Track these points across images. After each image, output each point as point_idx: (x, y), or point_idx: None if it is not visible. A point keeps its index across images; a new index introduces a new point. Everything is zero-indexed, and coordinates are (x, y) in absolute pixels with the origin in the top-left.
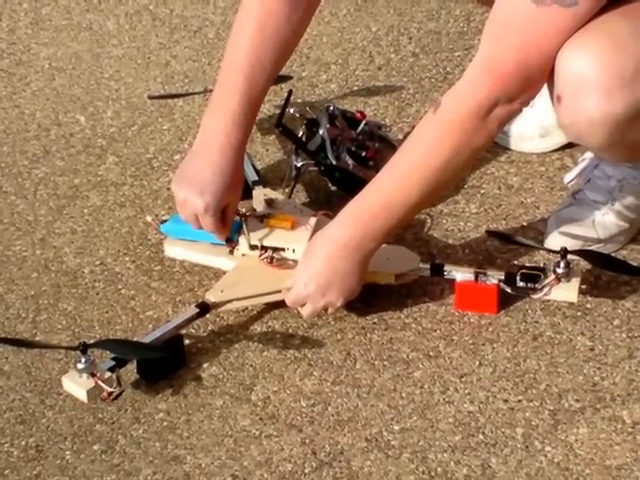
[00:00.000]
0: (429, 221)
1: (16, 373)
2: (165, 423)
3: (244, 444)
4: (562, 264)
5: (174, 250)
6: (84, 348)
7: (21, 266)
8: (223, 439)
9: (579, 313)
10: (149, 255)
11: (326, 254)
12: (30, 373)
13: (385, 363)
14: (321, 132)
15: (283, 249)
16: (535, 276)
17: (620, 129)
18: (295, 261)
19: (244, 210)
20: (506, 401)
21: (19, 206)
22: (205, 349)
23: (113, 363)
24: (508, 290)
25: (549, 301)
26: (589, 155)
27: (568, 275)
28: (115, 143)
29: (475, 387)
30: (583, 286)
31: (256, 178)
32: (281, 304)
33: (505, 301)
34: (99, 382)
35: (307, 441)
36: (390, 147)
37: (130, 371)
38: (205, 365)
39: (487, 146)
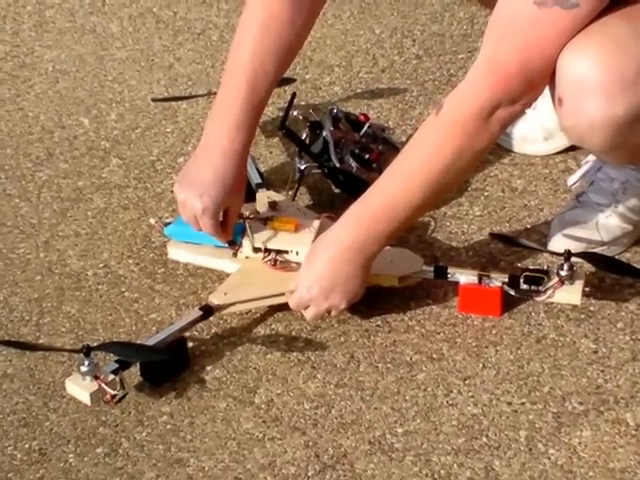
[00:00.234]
0: (433, 223)
1: (19, 376)
2: (168, 426)
3: (247, 447)
4: (566, 267)
5: (178, 253)
6: (87, 351)
7: (25, 269)
8: (226, 442)
9: (583, 316)
10: (153, 258)
11: (329, 257)
12: (33, 376)
13: (389, 366)
14: (324, 135)
15: (286, 251)
16: (539, 279)
17: (621, 132)
18: (298, 263)
19: (247, 213)
20: (509, 404)
21: (23, 209)
22: (209, 352)
23: (116, 366)
24: (512, 293)
25: (553, 304)
26: (592, 158)
27: (572, 278)
28: (119, 146)
29: (478, 390)
30: (587, 289)
31: (259, 181)
32: (285, 307)
33: (509, 304)
34: (102, 385)
35: (310, 444)
36: (393, 149)
37: (133, 374)
38: (209, 368)
39: (489, 148)
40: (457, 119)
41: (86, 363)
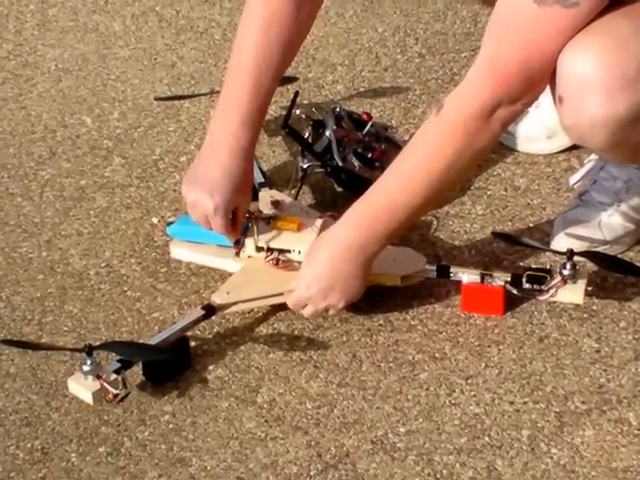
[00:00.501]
0: (435, 222)
1: (22, 375)
2: (171, 425)
3: (250, 446)
4: (568, 266)
5: (180, 252)
6: (90, 350)
7: (27, 268)
8: (229, 441)
9: (585, 315)
10: (155, 257)
11: (329, 256)
12: (36, 375)
13: (391, 365)
14: (327, 133)
15: (289, 251)
16: (541, 278)
17: (622, 130)
18: (301, 263)
19: (250, 212)
20: (512, 403)
21: (25, 208)
22: (211, 351)
23: (119, 365)
24: (514, 292)
25: (555, 303)
26: (595, 156)
27: (574, 277)
28: (121, 144)
29: (481, 389)
30: (589, 288)
31: (262, 180)
32: (287, 306)
33: (511, 303)
34: (105, 384)
35: (313, 443)
36: (396, 148)
37: (136, 373)
38: (211, 367)
39: (491, 147)
40: (458, 118)
41: (88, 362)
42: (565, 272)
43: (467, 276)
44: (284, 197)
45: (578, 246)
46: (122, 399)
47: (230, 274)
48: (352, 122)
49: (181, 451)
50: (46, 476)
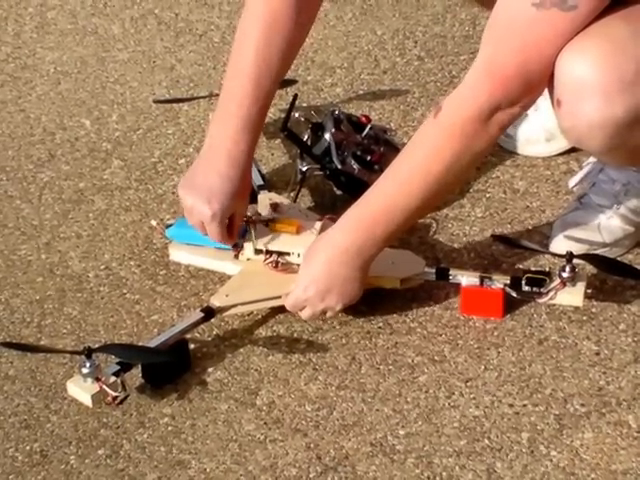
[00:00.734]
0: (434, 225)
1: (21, 377)
2: (170, 428)
3: (249, 449)
4: (568, 268)
5: (179, 254)
6: (89, 352)
7: (26, 270)
8: (228, 444)
9: (585, 317)
10: (154, 259)
11: (326, 258)
12: (35, 377)
13: (390, 367)
14: (326, 136)
15: (288, 253)
16: (540, 280)
17: (620, 133)
18: (300, 266)
19: (249, 214)
20: (511, 406)
21: (24, 210)
22: (210, 353)
23: (118, 367)
24: (513, 294)
25: (554, 305)
26: (594, 159)
27: (574, 279)
28: (120, 147)
29: (480, 392)
30: (589, 290)
31: (261, 182)
32: (286, 309)
33: (510, 305)
34: (104, 386)
35: (312, 446)
36: (395, 151)
37: (135, 375)
38: (210, 369)
39: (489, 150)
40: (456, 121)
41: (87, 365)
42: (564, 275)
43: (466, 279)
44: (283, 200)
45: (577, 249)
46: (121, 401)
47: (229, 277)
48: (351, 125)
49: (180, 453)
50: (45, 478)
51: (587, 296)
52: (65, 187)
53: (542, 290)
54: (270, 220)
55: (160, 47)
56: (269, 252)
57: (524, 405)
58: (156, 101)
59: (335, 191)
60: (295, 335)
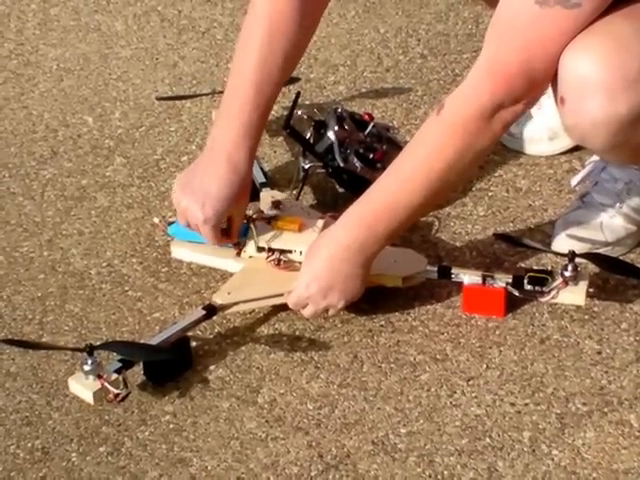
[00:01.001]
0: (437, 223)
1: (22, 374)
2: (171, 425)
3: (250, 447)
4: (570, 267)
5: (181, 252)
6: (90, 350)
7: (28, 267)
8: (229, 442)
9: (586, 316)
10: (156, 257)
11: (328, 255)
12: (36, 375)
13: (392, 366)
14: (329, 134)
15: (290, 251)
16: (543, 279)
17: (624, 131)
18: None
19: (251, 212)
20: (513, 404)
21: (26, 207)
22: (212, 351)
23: (119, 365)
24: (515, 293)
25: (556, 304)
26: (596, 158)
27: (576, 278)
28: (123, 144)
29: (482, 390)
30: (591, 289)
31: (264, 180)
32: (288, 306)
33: (512, 304)
34: (105, 384)
35: (313, 444)
36: (398, 149)
37: (136, 373)
38: (212, 367)
39: (492, 148)
40: (458, 120)
41: (89, 362)
42: (566, 274)
43: (468, 277)
44: (285, 197)
45: (579, 248)
46: (123, 399)
47: (231, 274)
48: (354, 123)
49: (182, 451)
50: (46, 476)
51: (589, 295)
52: (67, 184)
53: (544, 289)
54: (272, 218)
55: (163, 44)
56: (271, 250)
57: (526, 404)
58: (159, 98)
59: (337, 189)
60: (297, 333)
